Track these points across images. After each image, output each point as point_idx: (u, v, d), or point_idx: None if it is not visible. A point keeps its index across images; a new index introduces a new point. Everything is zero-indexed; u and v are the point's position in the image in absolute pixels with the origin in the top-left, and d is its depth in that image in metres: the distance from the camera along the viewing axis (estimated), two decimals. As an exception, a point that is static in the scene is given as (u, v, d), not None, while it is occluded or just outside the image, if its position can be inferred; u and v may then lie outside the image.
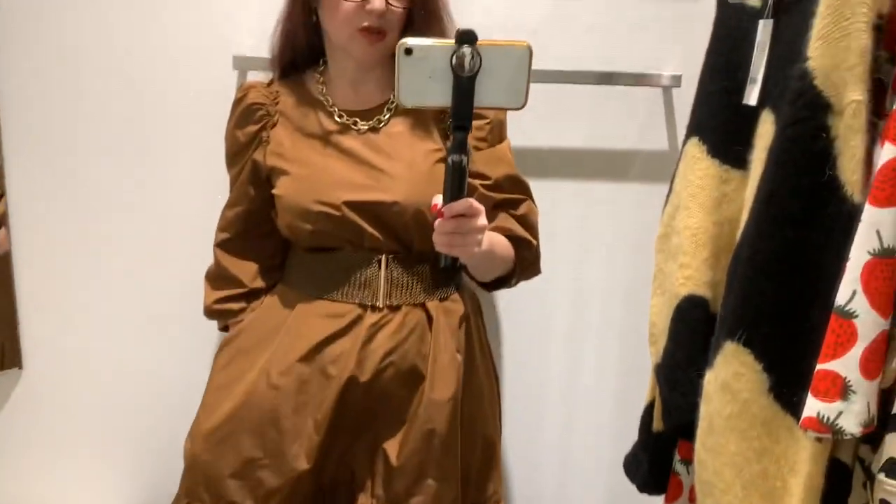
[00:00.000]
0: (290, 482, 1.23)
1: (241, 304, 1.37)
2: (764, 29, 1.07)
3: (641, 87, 1.64)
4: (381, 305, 1.26)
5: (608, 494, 1.78)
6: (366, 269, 1.26)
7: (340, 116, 1.29)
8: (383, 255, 1.26)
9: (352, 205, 1.23)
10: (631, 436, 1.43)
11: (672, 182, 1.30)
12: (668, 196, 1.31)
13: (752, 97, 1.10)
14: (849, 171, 0.84)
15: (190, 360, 1.64)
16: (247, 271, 1.38)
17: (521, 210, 1.33)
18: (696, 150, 1.22)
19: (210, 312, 1.40)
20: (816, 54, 0.86)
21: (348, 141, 1.28)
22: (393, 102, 1.31)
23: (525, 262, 1.34)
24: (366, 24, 1.21)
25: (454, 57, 0.88)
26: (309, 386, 1.24)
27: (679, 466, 1.35)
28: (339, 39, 1.26)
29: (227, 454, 1.25)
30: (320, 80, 1.33)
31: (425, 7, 1.26)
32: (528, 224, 1.33)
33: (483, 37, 0.91)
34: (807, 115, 0.86)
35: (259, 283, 1.39)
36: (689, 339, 1.21)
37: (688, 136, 1.25)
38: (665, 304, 1.28)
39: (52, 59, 1.56)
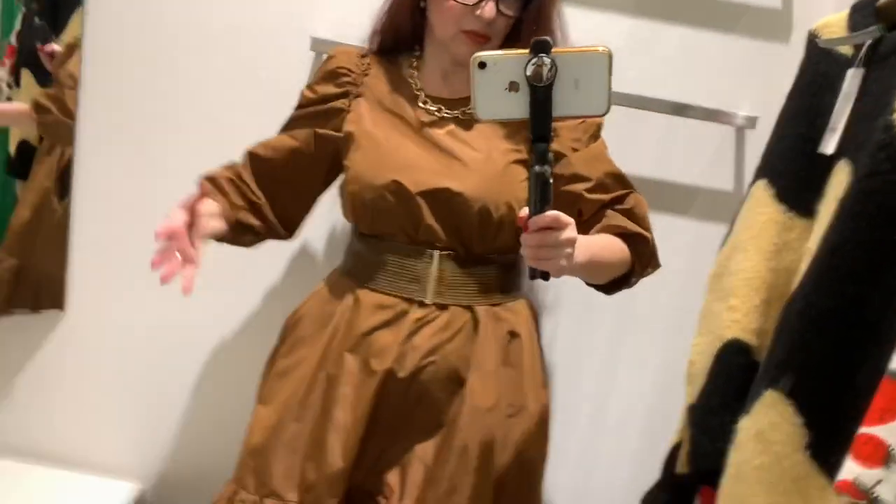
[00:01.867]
0: (326, 479, 1.22)
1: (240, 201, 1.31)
2: (852, 79, 1.04)
3: (714, 124, 1.61)
4: (428, 302, 1.24)
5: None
6: (417, 262, 1.24)
7: (425, 102, 1.28)
8: (437, 251, 1.24)
9: (416, 185, 1.20)
10: (654, 471, 1.40)
11: (733, 222, 1.27)
12: (727, 235, 1.28)
13: (829, 145, 1.07)
14: (923, 233, 0.81)
15: (229, 321, 1.66)
16: (257, 196, 1.32)
17: (629, 204, 1.28)
18: (762, 193, 1.19)
19: (203, 179, 1.31)
20: (904, 108, 0.82)
21: (428, 126, 1.27)
22: None
23: (643, 258, 1.28)
24: (472, 27, 1.20)
25: (529, 67, 0.85)
26: (353, 378, 1.23)
27: (698, 513, 1.31)
28: (442, 35, 1.25)
29: (279, 448, 1.25)
30: (413, 65, 1.32)
31: (538, 22, 1.23)
32: (639, 217, 1.28)
33: None
34: (887, 168, 0.82)
35: (256, 218, 1.32)
36: (728, 384, 1.17)
37: (756, 178, 1.22)
38: (708, 344, 1.24)
39: (137, 37, 1.60)
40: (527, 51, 0.86)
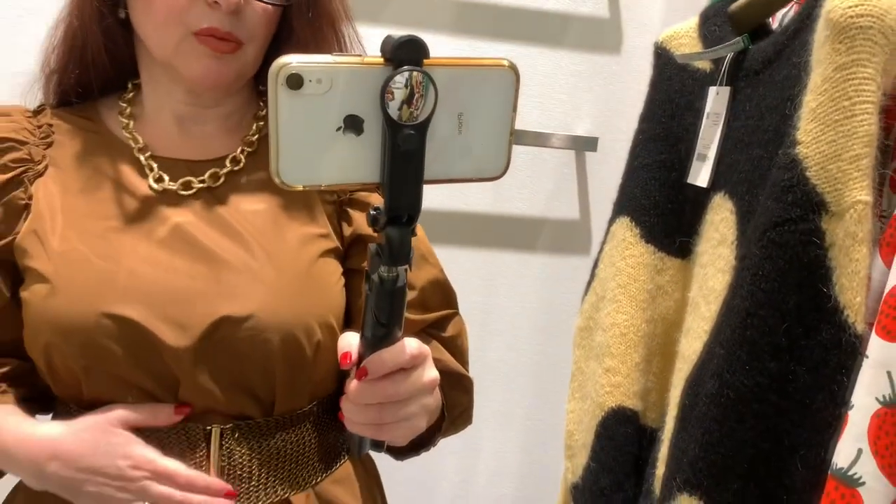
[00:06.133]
0: None
1: None
2: (718, 98, 0.90)
3: (552, 150, 1.45)
4: None
5: None
6: (183, 451, 0.75)
7: (151, 169, 0.79)
8: (215, 427, 0.75)
9: (165, 321, 0.72)
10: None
11: (595, 266, 1.10)
12: (589, 282, 1.11)
13: (700, 177, 0.92)
14: (850, 292, 0.66)
15: None
16: None
17: (451, 331, 0.88)
18: (627, 233, 1.03)
19: None
20: (809, 139, 0.67)
21: (167, 210, 0.78)
22: (243, 150, 0.82)
23: (457, 410, 0.87)
24: (206, 24, 0.73)
25: (387, 88, 0.48)
26: None
27: None
28: (160, 49, 0.76)
29: None
30: (126, 112, 0.83)
31: (315, 6, 0.78)
32: (460, 352, 0.89)
33: None
34: (797, 214, 0.67)
35: None
36: (618, 460, 1.00)
37: (616, 215, 1.06)
38: (587, 412, 1.07)
39: None
40: (380, 60, 0.49)
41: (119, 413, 0.73)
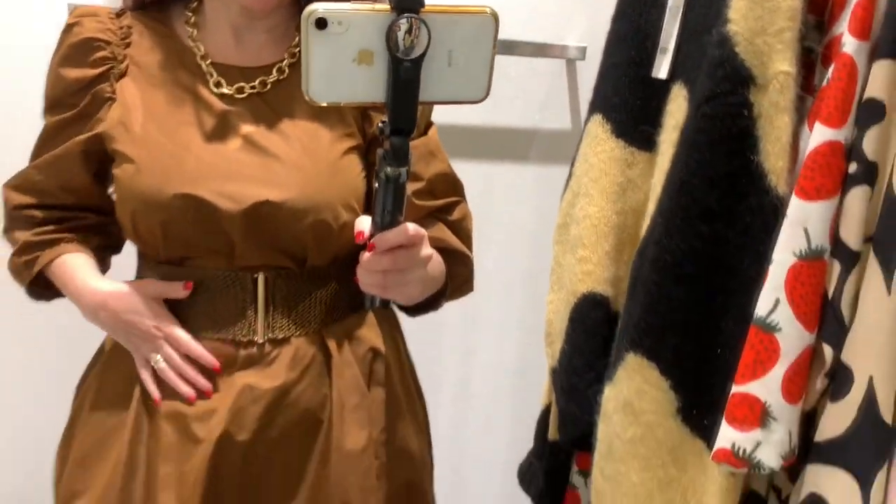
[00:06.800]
0: None
1: (51, 213, 1.00)
2: (677, -9, 0.94)
3: (543, 60, 1.49)
4: (259, 340, 0.96)
5: (503, 502, 1.66)
6: (237, 293, 0.95)
7: (212, 75, 0.95)
8: (261, 274, 0.95)
9: (223, 199, 0.91)
10: (527, 440, 1.31)
11: (572, 165, 1.16)
12: (567, 181, 1.18)
13: (661, 69, 0.97)
14: (773, 157, 0.71)
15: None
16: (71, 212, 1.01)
17: (456, 215, 1.04)
18: (599, 130, 1.08)
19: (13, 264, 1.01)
20: (738, 16, 0.72)
21: (226, 111, 0.94)
22: (287, 61, 0.97)
23: (458, 280, 1.04)
24: None
25: (392, 30, 0.63)
26: (173, 451, 0.94)
27: (577, 479, 1.23)
28: None
29: None
30: (191, 21, 0.97)
31: None
32: (464, 233, 1.05)
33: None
34: (727, 88, 0.72)
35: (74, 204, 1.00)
36: (588, 342, 1.08)
37: (590, 114, 1.11)
38: (562, 301, 1.14)
39: None
40: (387, 7, 0.63)
41: (153, 286, 0.96)
